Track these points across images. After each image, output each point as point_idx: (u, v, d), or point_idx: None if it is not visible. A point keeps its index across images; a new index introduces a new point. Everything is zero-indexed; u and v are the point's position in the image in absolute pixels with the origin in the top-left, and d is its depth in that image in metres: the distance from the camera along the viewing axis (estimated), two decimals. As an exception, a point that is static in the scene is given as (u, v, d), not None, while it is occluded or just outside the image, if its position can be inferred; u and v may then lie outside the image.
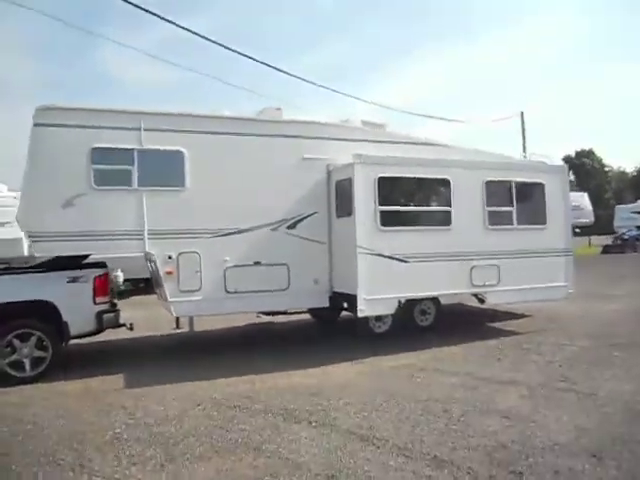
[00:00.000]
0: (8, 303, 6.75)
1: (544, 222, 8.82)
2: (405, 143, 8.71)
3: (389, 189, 7.73)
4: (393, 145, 8.57)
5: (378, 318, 8.36)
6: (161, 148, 7.33)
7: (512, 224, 8.56)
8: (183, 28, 11.75)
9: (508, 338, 8.25)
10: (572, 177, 46.48)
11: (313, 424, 4.99)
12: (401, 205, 7.88)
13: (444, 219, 8.07)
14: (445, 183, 8.07)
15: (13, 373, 6.82)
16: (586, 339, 7.94)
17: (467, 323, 9.49)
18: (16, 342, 6.84)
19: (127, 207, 7.17)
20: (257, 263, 7.77)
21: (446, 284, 8.05)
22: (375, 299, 7.53)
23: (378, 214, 7.58)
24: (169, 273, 7.36)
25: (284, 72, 14.65)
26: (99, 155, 7.03)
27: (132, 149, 7.18)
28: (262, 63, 13.65)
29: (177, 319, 8.92)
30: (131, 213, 7.18)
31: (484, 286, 8.30)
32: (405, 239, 7.77)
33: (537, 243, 8.72)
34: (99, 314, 7.26)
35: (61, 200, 6.88)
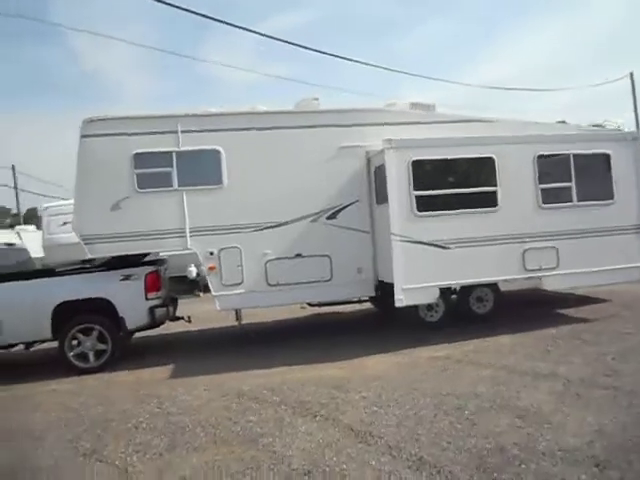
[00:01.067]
0: (71, 301, 7.46)
1: (611, 197, 7.92)
2: (454, 122, 8.30)
3: (425, 172, 7.38)
4: (442, 125, 8.22)
5: (429, 307, 8.09)
6: (198, 148, 7.62)
7: (571, 201, 7.78)
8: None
9: (569, 326, 7.55)
10: None
11: (317, 418, 4.98)
12: (439, 189, 7.47)
13: (489, 200, 7.54)
14: (489, 161, 7.52)
15: (78, 364, 7.52)
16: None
17: (533, 310, 8.82)
18: (80, 336, 7.53)
19: (169, 207, 7.55)
20: (298, 255, 7.83)
21: (494, 270, 7.55)
22: (414, 288, 7.26)
23: (413, 199, 7.28)
24: (211, 269, 7.66)
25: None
26: (140, 160, 7.47)
27: (171, 151, 7.54)
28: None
29: (236, 313, 9.23)
30: (173, 212, 7.56)
31: (540, 270, 7.67)
32: (444, 224, 7.39)
33: (603, 220, 7.86)
34: (151, 309, 7.76)
35: (109, 204, 7.42)
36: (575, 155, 7.75)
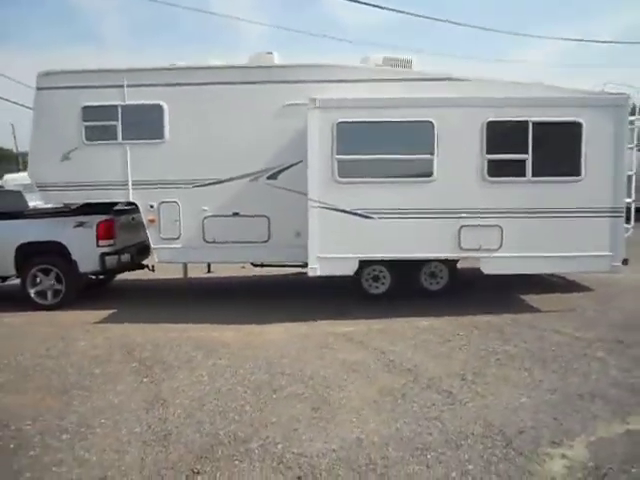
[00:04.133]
0: (30, 242, 8.14)
1: (578, 173, 6.82)
2: (429, 80, 7.56)
3: (352, 136, 6.85)
4: (415, 83, 7.54)
5: (375, 278, 7.73)
6: (141, 103, 7.71)
7: (524, 175, 6.84)
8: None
9: (508, 315, 6.79)
10: None
11: (145, 379, 5.11)
12: (367, 154, 6.92)
13: (424, 169, 6.85)
14: (427, 126, 6.78)
15: (38, 301, 8.24)
16: (600, 329, 6.15)
17: (492, 292, 8.04)
18: (40, 275, 8.22)
19: (114, 159, 7.80)
20: (235, 214, 7.78)
21: (424, 246, 6.94)
22: (330, 257, 6.94)
23: (335, 164, 6.84)
24: (151, 221, 7.88)
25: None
26: (89, 113, 7.75)
27: (116, 105, 7.72)
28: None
29: (208, 266, 9.47)
30: (117, 165, 7.81)
31: (478, 250, 6.92)
32: (369, 192, 6.87)
33: (565, 200, 6.83)
34: (102, 256, 8.21)
35: (60, 155, 7.84)
36: (536, 123, 6.74)
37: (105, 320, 7.46)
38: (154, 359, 5.68)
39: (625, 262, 7.70)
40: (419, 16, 44.54)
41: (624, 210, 6.87)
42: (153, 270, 9.16)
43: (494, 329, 6.30)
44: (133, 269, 9.09)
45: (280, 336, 6.41)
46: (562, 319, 6.61)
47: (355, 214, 6.87)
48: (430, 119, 6.77)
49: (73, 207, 8.75)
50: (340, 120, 6.76)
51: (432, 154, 6.81)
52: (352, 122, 6.79)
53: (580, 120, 6.73)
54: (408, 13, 48.11)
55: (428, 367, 5.18)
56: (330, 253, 6.92)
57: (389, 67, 7.94)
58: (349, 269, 7.02)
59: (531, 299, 7.65)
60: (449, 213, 6.85)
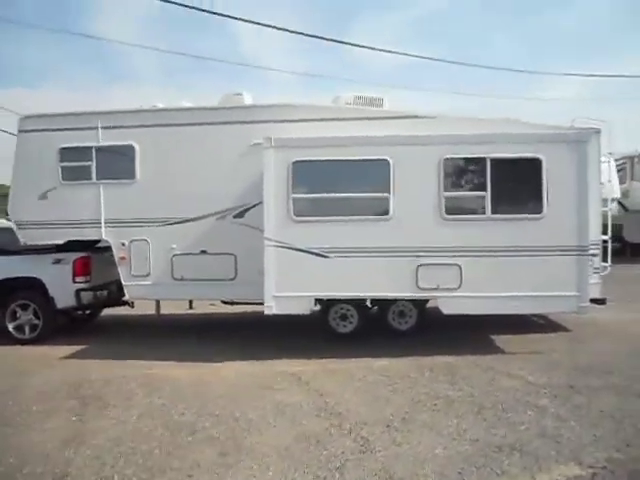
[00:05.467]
0: (11, 278, 8.39)
1: (539, 210, 6.62)
2: (398, 118, 7.60)
3: (308, 174, 6.88)
4: (382, 121, 7.58)
5: (343, 317, 7.63)
6: (114, 144, 7.98)
7: (484, 213, 6.69)
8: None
9: (470, 357, 6.56)
10: None
11: (74, 418, 5.10)
12: (323, 192, 6.91)
13: (380, 208, 6.78)
14: (383, 164, 6.74)
15: (16, 335, 8.43)
16: (555, 374, 5.86)
17: (464, 332, 7.79)
18: (19, 310, 8.43)
19: (88, 198, 8.05)
20: (203, 252, 7.86)
21: (381, 285, 6.81)
22: (286, 296, 6.89)
23: (291, 202, 6.85)
24: (122, 259, 8.03)
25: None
26: (65, 154, 8.06)
27: (91, 147, 8.01)
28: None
29: (190, 302, 9.54)
30: (92, 204, 8.05)
31: (437, 290, 6.75)
32: (324, 231, 6.83)
33: (527, 238, 6.62)
34: (77, 292, 8.38)
35: (38, 194, 8.13)
36: (494, 159, 6.62)
37: (73, 355, 7.56)
38: (95, 396, 5.70)
39: (602, 302, 7.41)
40: (432, 59, 44.67)
41: (589, 248, 6.60)
42: (132, 306, 9.27)
43: (448, 371, 6.08)
44: (113, 305, 9.22)
45: (231, 374, 6.37)
46: (523, 362, 6.34)
47: (311, 253, 6.83)
48: (386, 157, 6.74)
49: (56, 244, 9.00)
50: (295, 159, 6.80)
51: (388, 192, 6.75)
52: (308, 161, 6.82)
53: (539, 156, 6.58)
54: (424, 57, 48.42)
55: (360, 411, 5.01)
56: (286, 292, 6.87)
57: (359, 106, 8.02)
58: (305, 308, 6.94)
59: (501, 340, 7.38)
60: (406, 252, 6.73)
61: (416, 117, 7.54)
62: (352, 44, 15.48)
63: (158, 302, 8.67)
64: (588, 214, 6.54)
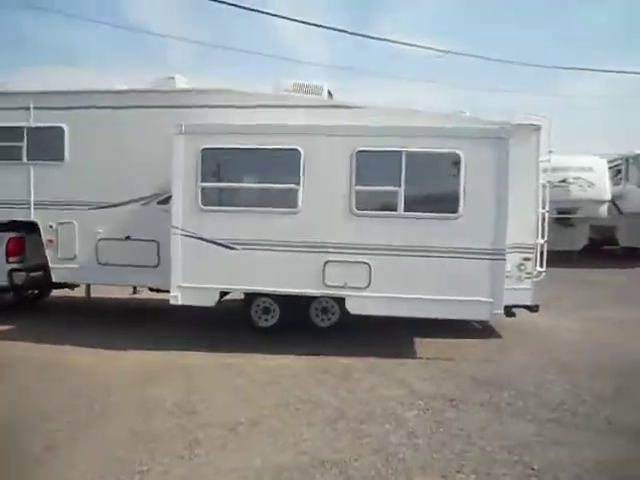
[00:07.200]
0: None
1: (455, 209, 6.23)
2: (331, 107, 7.33)
3: (218, 162, 6.64)
4: (317, 110, 7.30)
5: (266, 310, 7.39)
6: (45, 125, 7.87)
7: (396, 210, 6.32)
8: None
9: (376, 360, 6.25)
10: None
11: None
12: (232, 182, 6.66)
13: (289, 200, 6.48)
14: (293, 154, 6.44)
15: (-44, 311, 8.48)
16: (447, 384, 5.51)
17: (388, 332, 7.45)
18: (-41, 288, 8.48)
19: (19, 179, 7.98)
20: (127, 238, 7.72)
21: (287, 280, 6.53)
22: (192, 287, 6.69)
23: (199, 191, 6.62)
24: (50, 241, 7.96)
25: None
26: (-3, 133, 7.99)
27: (23, 127, 7.93)
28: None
29: (87, 287, 9.10)
30: (21, 185, 7.98)
31: (344, 288, 6.44)
32: (232, 222, 6.58)
33: (441, 238, 6.24)
34: (10, 272, 8.36)
35: (-28, 173, 8.10)
36: (409, 153, 6.25)
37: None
38: None
39: (535, 309, 7.02)
40: (471, 55, 43.38)
41: (505, 252, 6.18)
42: (72, 289, 9.22)
43: (340, 374, 5.81)
44: (53, 287, 9.18)
45: (125, 364, 6.24)
46: (424, 369, 6.00)
47: (217, 244, 6.60)
48: (297, 147, 6.44)
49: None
50: (204, 146, 6.56)
51: (298, 184, 6.45)
52: (217, 148, 6.58)
53: (458, 152, 6.18)
54: (459, 54, 47.12)
55: (216, 411, 4.81)
56: (192, 282, 6.68)
57: (297, 93, 7.72)
58: (210, 300, 6.73)
59: (423, 343, 7.04)
60: (314, 247, 6.44)
61: (347, 107, 7.21)
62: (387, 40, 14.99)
63: (88, 286, 8.58)
64: (506, 216, 6.12)
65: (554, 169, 16.08)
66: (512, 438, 4.16)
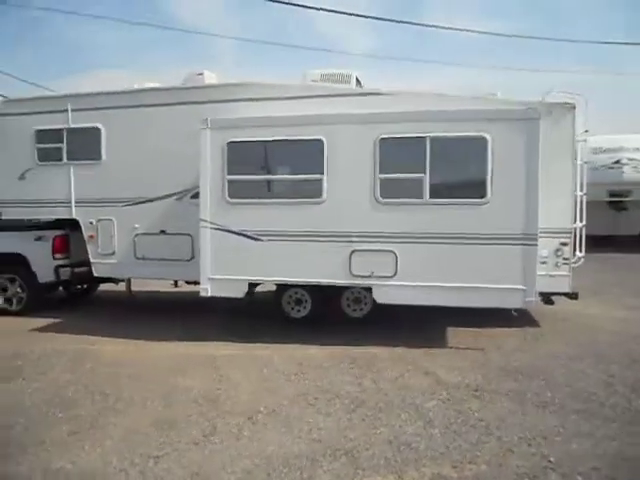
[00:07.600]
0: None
1: (483, 194, 6.02)
2: (361, 95, 7.31)
3: (243, 155, 6.68)
4: (346, 98, 7.29)
5: (298, 301, 7.46)
6: (82, 126, 8.19)
7: (422, 197, 6.18)
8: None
9: (405, 350, 6.16)
10: None
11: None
12: (257, 174, 6.70)
13: (314, 190, 6.44)
14: (317, 144, 6.39)
15: (5, 306, 8.99)
16: (474, 375, 5.36)
17: (424, 322, 7.34)
18: (8, 284, 8.98)
19: (60, 179, 8.35)
20: (162, 232, 7.94)
21: (313, 270, 6.52)
22: (221, 279, 6.80)
23: (226, 184, 6.70)
24: (91, 237, 8.30)
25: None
26: (40, 136, 8.39)
27: (62, 129, 8.28)
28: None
29: (127, 282, 9.35)
30: (63, 184, 8.35)
31: (370, 277, 6.37)
32: (258, 214, 6.62)
33: (469, 224, 6.05)
34: (56, 268, 8.79)
35: (17, 175, 8.55)
36: (434, 138, 6.09)
37: (40, 328, 7.89)
38: (12, 368, 5.91)
39: (574, 296, 6.73)
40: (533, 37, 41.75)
41: (537, 237, 5.93)
42: (117, 283, 9.57)
43: (365, 364, 5.76)
44: (99, 282, 9.57)
45: (160, 354, 6.40)
46: (453, 358, 5.87)
47: (244, 235, 6.67)
48: (320, 137, 6.40)
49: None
50: (230, 140, 6.63)
51: (322, 174, 6.42)
52: (242, 142, 6.63)
53: (485, 135, 5.97)
54: (511, 35, 45.58)
55: (239, 400, 4.88)
56: (221, 274, 6.79)
57: (326, 83, 7.69)
58: (239, 291, 6.81)
59: (456, 332, 6.90)
60: (339, 237, 6.40)
61: (379, 94, 7.14)
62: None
63: (129, 280, 8.87)
64: (537, 200, 5.87)
65: (605, 150, 15.52)
66: (533, 429, 4.01)
